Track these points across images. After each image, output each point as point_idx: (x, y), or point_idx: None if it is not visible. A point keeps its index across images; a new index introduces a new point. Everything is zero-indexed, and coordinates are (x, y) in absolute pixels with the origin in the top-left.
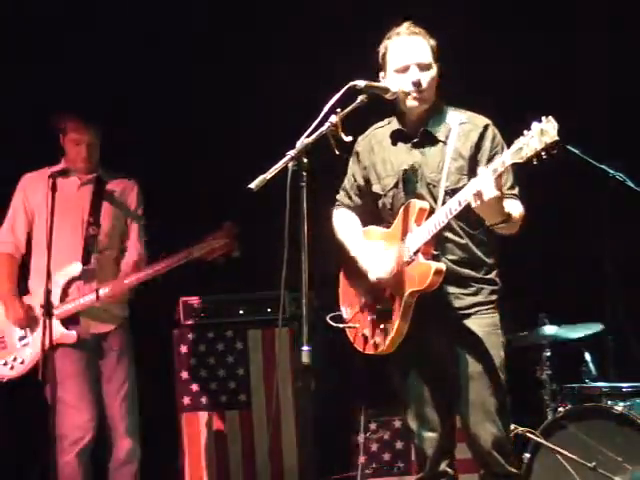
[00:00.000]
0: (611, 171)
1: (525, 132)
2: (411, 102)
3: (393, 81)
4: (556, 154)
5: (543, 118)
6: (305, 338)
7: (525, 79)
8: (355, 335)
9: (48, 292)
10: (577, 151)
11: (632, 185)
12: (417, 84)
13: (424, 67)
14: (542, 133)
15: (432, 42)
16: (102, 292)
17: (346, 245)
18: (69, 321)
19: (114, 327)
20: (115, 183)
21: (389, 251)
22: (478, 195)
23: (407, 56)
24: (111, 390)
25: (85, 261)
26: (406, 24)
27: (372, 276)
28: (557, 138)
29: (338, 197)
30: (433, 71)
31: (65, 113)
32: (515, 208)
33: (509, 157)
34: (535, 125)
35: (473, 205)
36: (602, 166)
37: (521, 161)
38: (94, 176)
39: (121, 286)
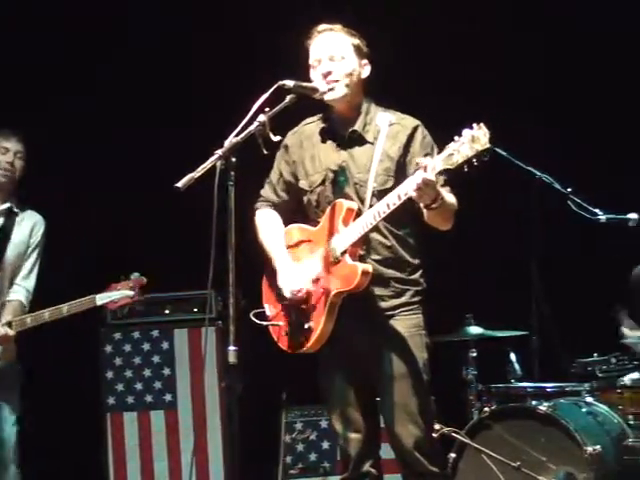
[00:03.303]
0: (537, 173)
1: (456, 138)
2: (327, 95)
3: (312, 77)
4: (486, 160)
5: (474, 125)
6: (232, 338)
7: (456, 78)
8: (279, 334)
9: None
10: (504, 153)
11: (558, 187)
12: (326, 75)
13: (335, 59)
14: (473, 140)
15: (355, 40)
16: None
17: (268, 252)
18: None
19: None
20: (25, 217)
21: (313, 257)
22: (417, 191)
23: (319, 50)
24: None
25: None
26: (325, 23)
27: (287, 295)
28: (488, 145)
29: (263, 192)
30: (348, 64)
31: None
32: (449, 197)
33: (440, 163)
34: (466, 132)
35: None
36: (529, 168)
37: (452, 167)
38: (5, 208)
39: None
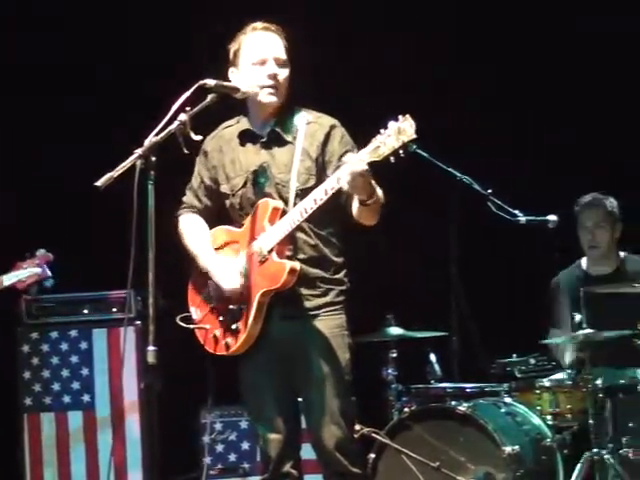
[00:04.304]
0: (457, 174)
1: (382, 131)
2: (266, 97)
3: (248, 75)
4: (412, 152)
5: (400, 117)
6: (151, 338)
7: (378, 78)
8: (205, 336)
9: None
10: (425, 154)
11: (478, 188)
12: (274, 77)
13: (281, 63)
14: (399, 132)
15: (285, 43)
16: None
17: (195, 255)
18: None
19: None
20: None
21: (239, 257)
22: (349, 177)
23: (265, 50)
24: None
25: None
26: (261, 22)
27: (225, 288)
28: (415, 136)
29: (185, 199)
30: (288, 70)
31: None
32: (378, 189)
33: (367, 156)
34: (392, 124)
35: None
36: (449, 169)
37: (378, 159)
38: None
39: None
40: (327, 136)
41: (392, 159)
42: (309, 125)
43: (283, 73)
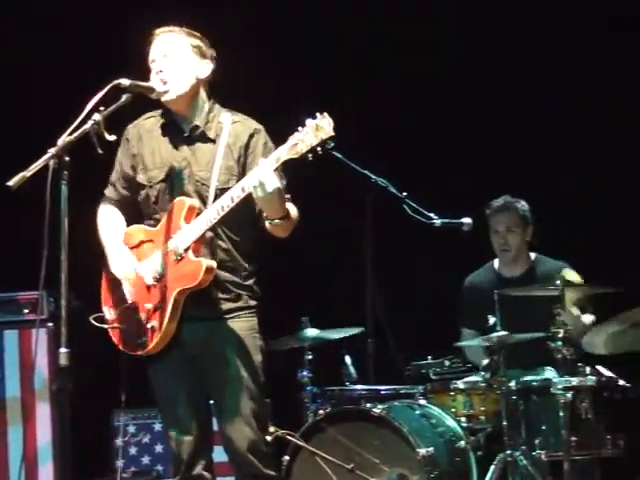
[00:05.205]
0: (373, 177)
1: (299, 128)
2: (163, 95)
3: (152, 79)
4: (330, 150)
5: (317, 114)
6: (63, 340)
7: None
8: (120, 336)
9: None
10: (341, 156)
11: (393, 191)
12: (158, 72)
13: (168, 57)
14: (317, 129)
15: (194, 40)
16: None
17: (103, 245)
18: None
19: None
20: None
21: (155, 255)
22: (260, 186)
23: (154, 51)
24: None
25: None
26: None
27: (118, 276)
28: (333, 133)
29: (106, 191)
30: (181, 62)
31: None
32: (292, 208)
33: (285, 153)
34: (310, 121)
35: (255, 196)
36: (365, 172)
37: (296, 156)
38: None
39: None
40: (251, 137)
41: (310, 157)
42: (234, 125)
43: (170, 66)
